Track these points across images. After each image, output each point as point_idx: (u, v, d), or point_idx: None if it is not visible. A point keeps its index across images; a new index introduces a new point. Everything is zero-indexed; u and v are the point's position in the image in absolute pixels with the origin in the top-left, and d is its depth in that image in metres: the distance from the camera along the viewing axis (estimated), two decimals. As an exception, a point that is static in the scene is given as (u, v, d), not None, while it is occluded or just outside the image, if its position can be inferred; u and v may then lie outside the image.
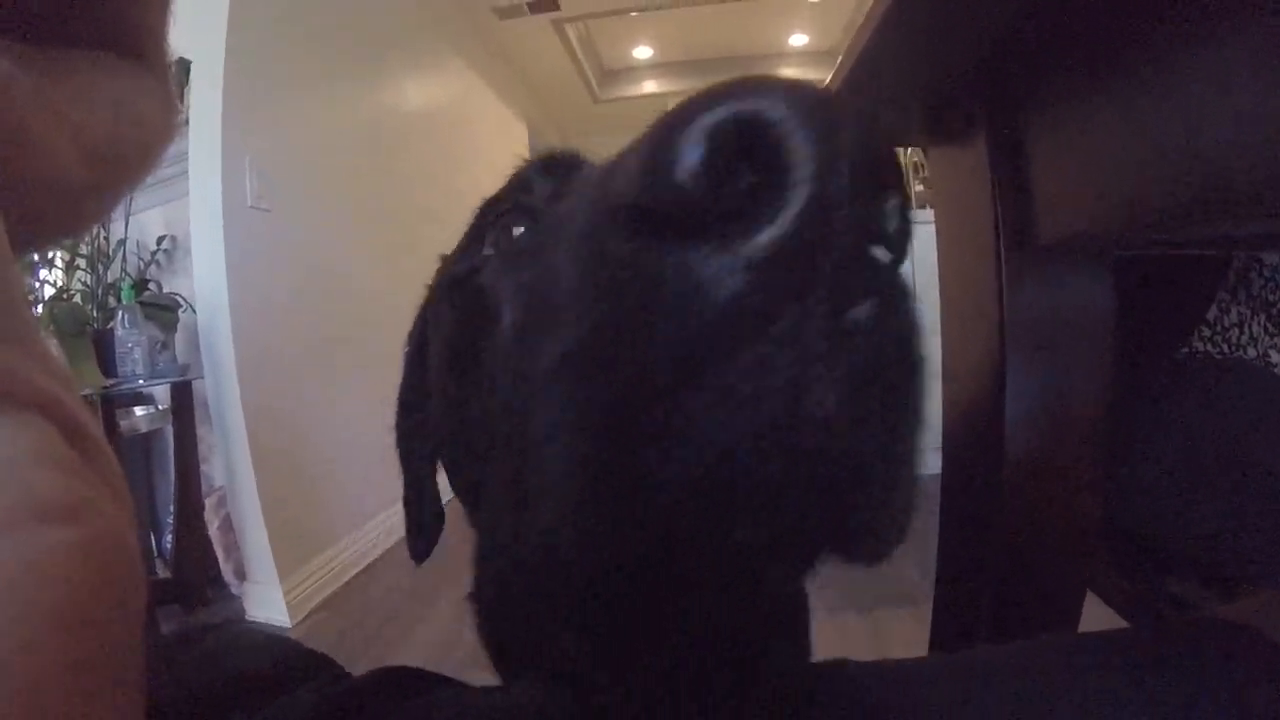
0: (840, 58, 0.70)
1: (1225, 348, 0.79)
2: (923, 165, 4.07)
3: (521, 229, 0.40)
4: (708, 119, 0.20)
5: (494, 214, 0.43)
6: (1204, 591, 0.60)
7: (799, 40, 6.50)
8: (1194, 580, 0.60)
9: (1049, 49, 0.53)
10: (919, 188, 4.04)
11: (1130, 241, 0.58)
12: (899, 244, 0.22)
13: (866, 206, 0.20)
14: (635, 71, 7.02)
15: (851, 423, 0.21)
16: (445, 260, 0.51)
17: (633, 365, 0.21)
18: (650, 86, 7.04)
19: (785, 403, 0.20)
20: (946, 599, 0.81)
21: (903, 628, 1.68)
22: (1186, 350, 0.81)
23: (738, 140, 0.19)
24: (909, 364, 0.23)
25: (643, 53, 6.65)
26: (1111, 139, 0.47)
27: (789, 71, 6.78)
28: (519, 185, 0.45)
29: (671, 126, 0.21)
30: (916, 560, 2.01)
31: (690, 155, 0.20)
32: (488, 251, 0.42)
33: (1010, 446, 0.61)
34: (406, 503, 0.58)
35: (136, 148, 0.54)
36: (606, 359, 0.22)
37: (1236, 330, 0.79)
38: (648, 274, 0.21)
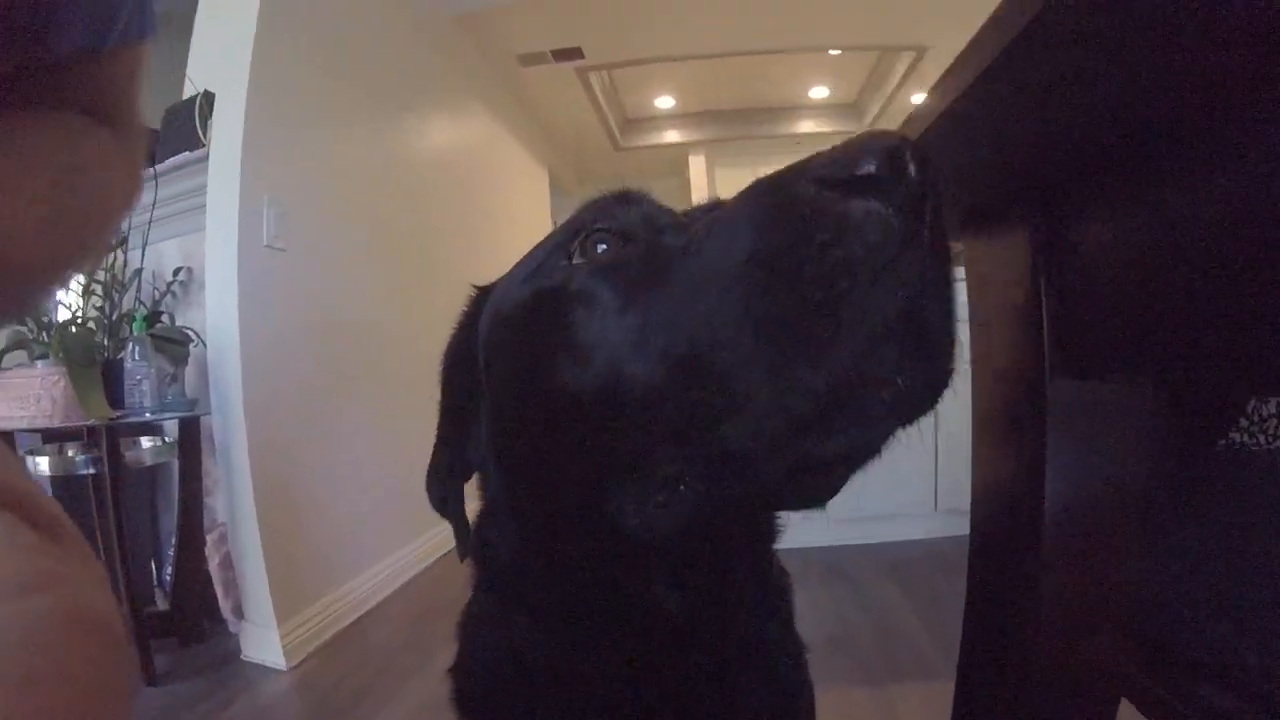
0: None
1: (1262, 439, 0.75)
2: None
3: (605, 246, 0.50)
4: (876, 143, 0.34)
5: (583, 234, 0.51)
6: (1243, 705, 0.55)
7: (819, 93, 6.56)
8: (1232, 692, 0.56)
9: (1089, 159, 0.51)
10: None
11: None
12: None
13: (937, 191, 0.34)
14: (657, 120, 7.10)
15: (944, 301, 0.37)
16: (512, 280, 0.59)
17: (804, 268, 0.34)
18: (671, 136, 7.11)
19: (917, 285, 0.34)
20: (969, 683, 0.76)
21: (914, 705, 1.61)
22: (1224, 442, 0.77)
23: (886, 158, 0.34)
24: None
25: (665, 102, 6.73)
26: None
27: (808, 124, 6.84)
28: (602, 211, 0.53)
29: (854, 145, 0.35)
30: (930, 630, 1.97)
31: (868, 161, 0.34)
32: (577, 261, 0.51)
33: (1048, 532, 0.58)
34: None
35: (85, 221, 0.54)
36: (784, 265, 0.35)
37: (1275, 421, 0.75)
38: (827, 209, 0.34)
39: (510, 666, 0.57)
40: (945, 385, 0.39)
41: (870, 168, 0.33)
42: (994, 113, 0.48)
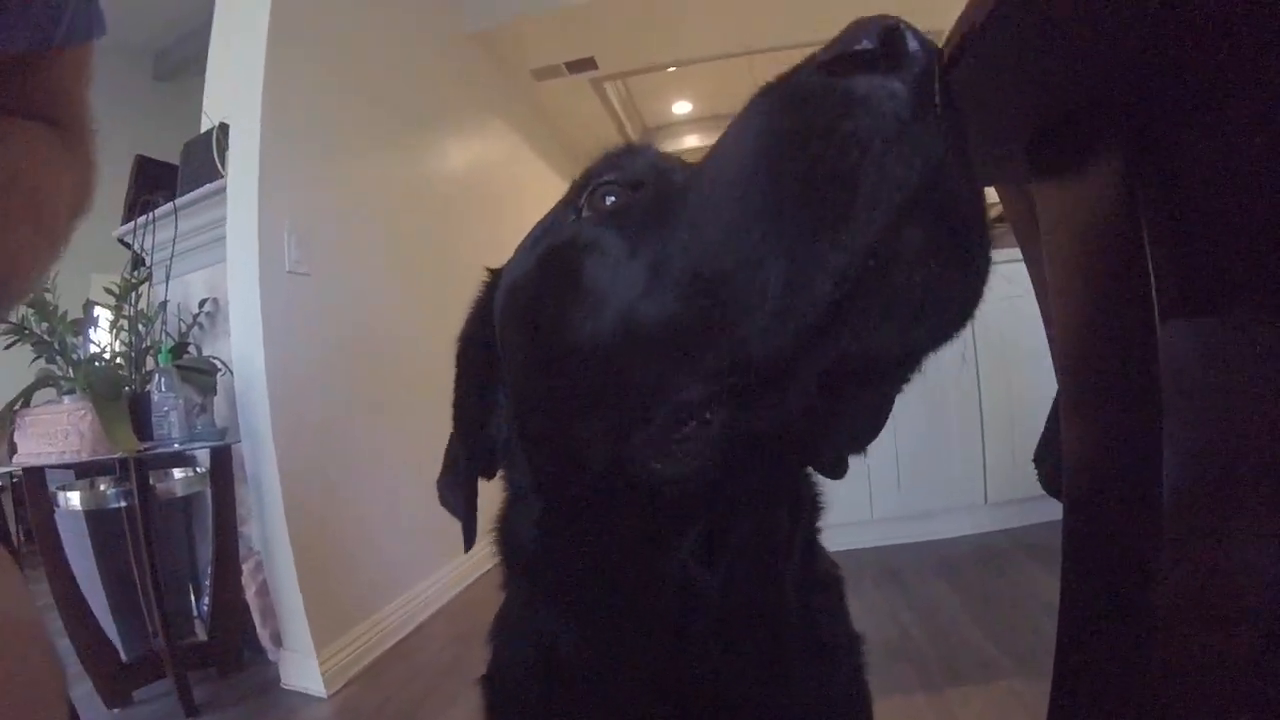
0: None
1: None
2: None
3: (613, 198, 0.49)
4: (870, 23, 0.33)
5: (592, 185, 0.51)
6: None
7: (838, 88, 6.49)
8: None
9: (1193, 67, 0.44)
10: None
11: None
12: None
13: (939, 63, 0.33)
14: (675, 127, 7.07)
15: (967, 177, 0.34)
16: (542, 227, 0.58)
17: (813, 146, 0.33)
18: (691, 141, 7.08)
19: (934, 155, 0.32)
20: (1070, 683, 0.68)
21: (973, 709, 1.52)
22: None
23: (882, 37, 0.33)
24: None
25: (682, 107, 6.70)
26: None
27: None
28: (608, 164, 0.53)
29: (849, 29, 0.34)
30: (987, 630, 1.88)
31: (864, 38, 0.33)
32: (585, 214, 0.50)
33: (1168, 509, 0.50)
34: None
35: (33, 228, 0.51)
36: (794, 147, 0.33)
37: None
38: (832, 88, 0.33)
39: (541, 667, 0.55)
40: (983, 282, 0.36)
41: (868, 44, 0.33)
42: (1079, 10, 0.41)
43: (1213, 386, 0.51)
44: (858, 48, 0.33)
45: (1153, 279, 0.50)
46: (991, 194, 3.75)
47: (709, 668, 0.49)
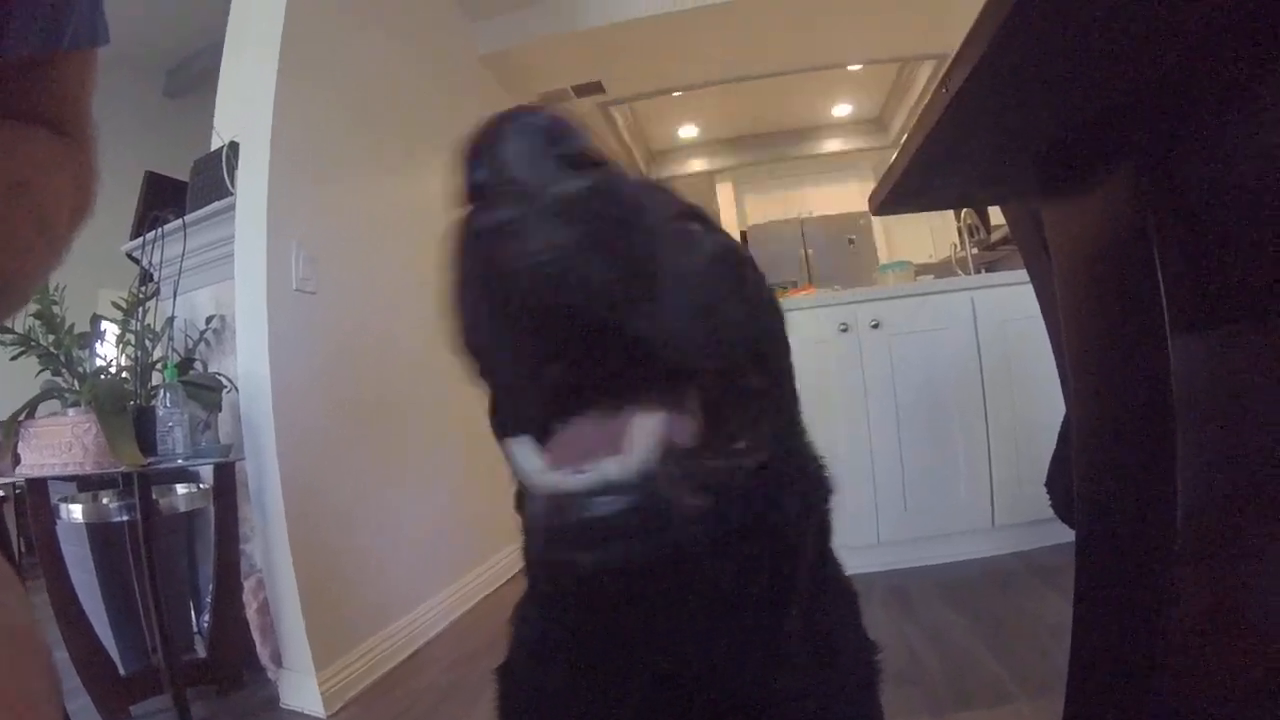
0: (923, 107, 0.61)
1: None
2: (977, 228, 3.97)
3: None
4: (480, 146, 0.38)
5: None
6: None
7: (843, 110, 6.53)
8: None
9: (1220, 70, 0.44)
10: (974, 250, 3.93)
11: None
12: (583, 164, 0.36)
13: (545, 162, 0.36)
14: (682, 150, 7.13)
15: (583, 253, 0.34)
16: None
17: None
18: (698, 165, 7.13)
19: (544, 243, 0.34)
20: (1082, 701, 0.67)
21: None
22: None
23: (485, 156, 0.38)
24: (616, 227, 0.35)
25: (688, 131, 6.75)
26: None
27: (834, 143, 6.79)
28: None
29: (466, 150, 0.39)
30: (996, 654, 1.86)
31: (476, 170, 0.39)
32: None
33: (1182, 526, 0.49)
34: None
35: (35, 232, 0.52)
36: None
37: None
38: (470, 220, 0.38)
39: (539, 648, 0.56)
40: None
41: (477, 175, 0.38)
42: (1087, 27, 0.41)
43: (1224, 401, 0.50)
44: (465, 183, 0.39)
45: (1164, 293, 0.49)
46: (998, 214, 3.76)
47: (698, 658, 0.49)
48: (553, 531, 0.36)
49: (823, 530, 0.57)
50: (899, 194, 0.93)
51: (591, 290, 0.35)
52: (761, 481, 0.46)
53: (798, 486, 0.53)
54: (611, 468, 0.36)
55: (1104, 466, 0.60)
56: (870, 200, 1.15)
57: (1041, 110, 0.54)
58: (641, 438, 0.37)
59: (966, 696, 1.67)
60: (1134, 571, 0.58)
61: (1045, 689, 1.62)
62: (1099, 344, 0.60)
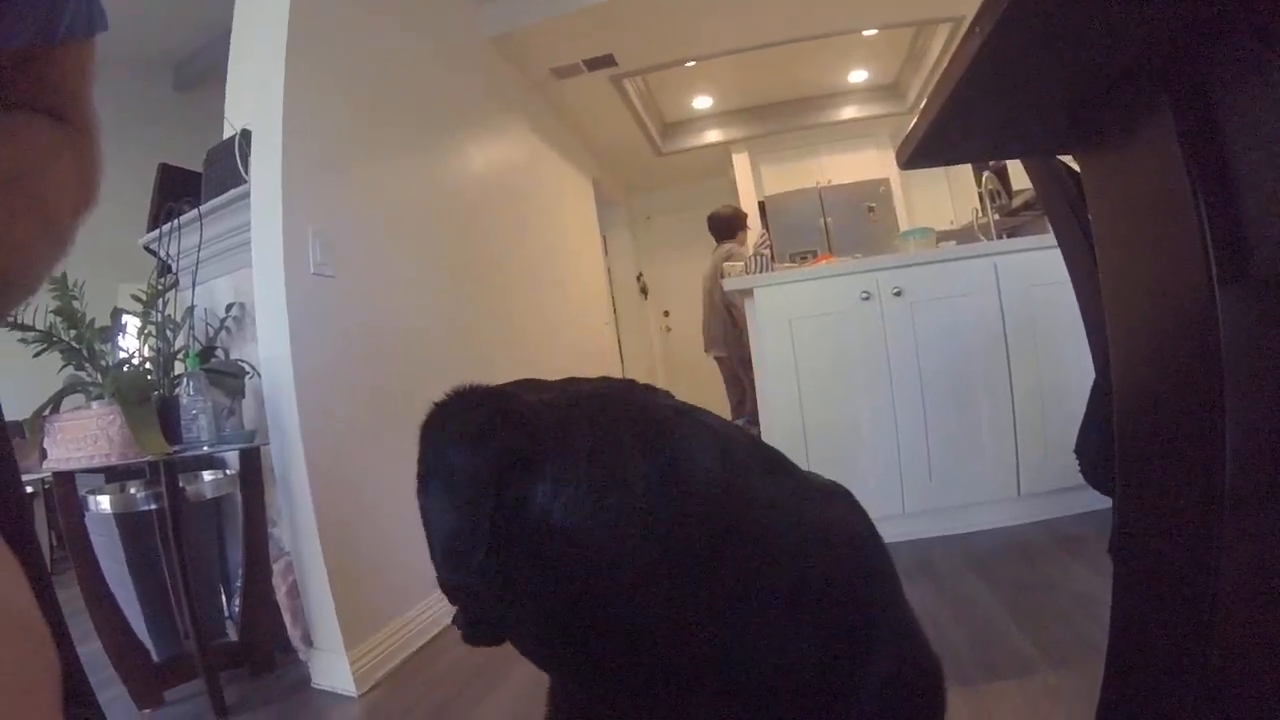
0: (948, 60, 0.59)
1: None
2: (999, 193, 3.90)
3: None
4: None
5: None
6: None
7: (858, 76, 6.43)
8: None
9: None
10: (996, 217, 3.86)
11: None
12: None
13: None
14: (696, 122, 7.05)
15: None
16: None
17: None
18: (713, 136, 7.05)
19: None
20: (1123, 670, 0.66)
21: (1010, 705, 1.48)
22: None
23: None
24: None
25: (702, 102, 6.67)
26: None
27: (850, 109, 6.70)
28: None
29: None
30: (1022, 624, 1.84)
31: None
32: None
33: (1230, 486, 0.47)
34: None
35: (38, 225, 0.51)
36: None
37: None
38: None
39: None
40: None
41: None
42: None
43: (1275, 352, 0.48)
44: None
45: (1209, 242, 0.47)
46: (1019, 179, 3.68)
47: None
48: None
49: None
50: (928, 146, 0.90)
51: None
52: None
53: None
54: None
55: (1147, 425, 0.58)
56: (898, 154, 1.12)
57: (1076, 52, 0.51)
58: None
59: (992, 667, 1.65)
60: (1179, 532, 0.56)
61: (1072, 659, 1.60)
62: (1141, 297, 0.58)
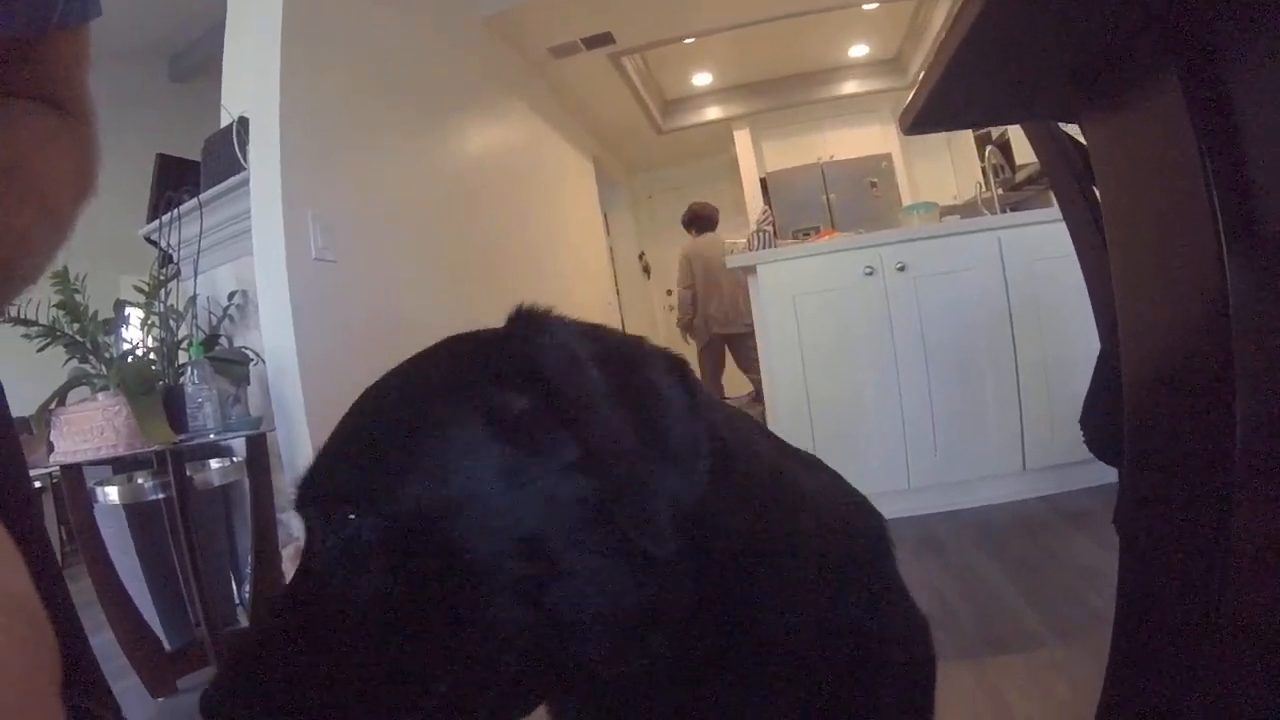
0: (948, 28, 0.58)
1: None
2: (1002, 168, 3.87)
3: None
4: None
5: None
6: None
7: (859, 51, 6.37)
8: None
9: None
10: (999, 191, 3.84)
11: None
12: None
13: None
14: (696, 99, 7.01)
15: None
16: None
17: None
18: (713, 113, 7.00)
19: None
20: (1130, 645, 0.66)
21: (1015, 679, 1.49)
22: None
23: None
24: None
25: (702, 79, 6.63)
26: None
27: (851, 84, 6.65)
28: None
29: None
30: (1028, 598, 1.85)
31: None
32: None
33: (1240, 458, 0.47)
34: None
35: (37, 211, 0.51)
36: None
37: None
38: None
39: None
40: None
41: None
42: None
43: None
44: None
45: (1217, 207, 0.46)
46: (1022, 154, 3.65)
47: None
48: None
49: None
50: (931, 110, 0.89)
51: None
52: None
53: None
54: None
55: (1156, 394, 0.58)
56: (901, 119, 1.11)
57: (1081, 12, 0.50)
58: None
59: (998, 641, 1.66)
60: (1189, 503, 0.56)
61: (1077, 632, 1.61)
62: (1149, 264, 0.57)
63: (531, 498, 0.44)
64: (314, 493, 0.49)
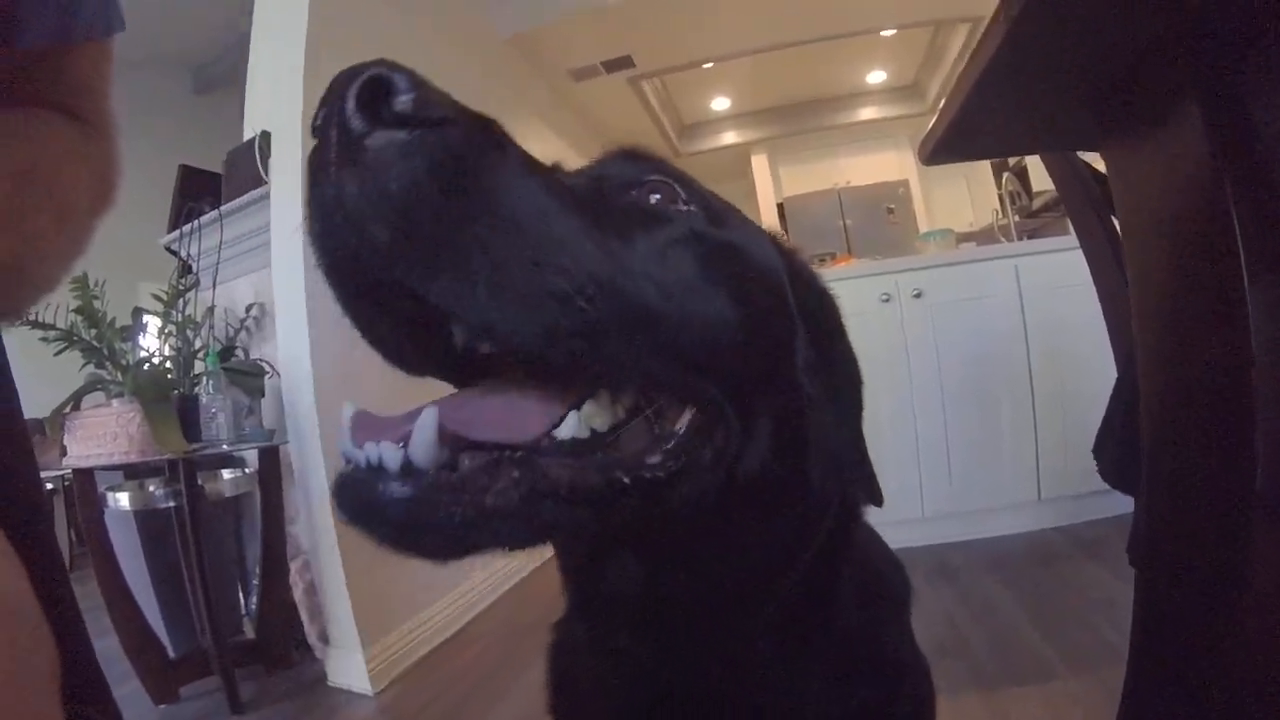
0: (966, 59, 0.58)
1: None
2: (1019, 195, 3.86)
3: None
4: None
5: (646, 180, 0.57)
6: None
7: (877, 77, 6.39)
8: None
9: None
10: (1016, 218, 3.83)
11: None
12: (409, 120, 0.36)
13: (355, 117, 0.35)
14: (714, 123, 7.05)
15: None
16: None
17: None
18: (730, 137, 7.04)
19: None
20: (1146, 676, 0.64)
21: (1029, 710, 1.47)
22: None
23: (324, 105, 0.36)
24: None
25: (720, 104, 6.67)
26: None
27: (869, 110, 6.66)
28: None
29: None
30: (1042, 629, 1.82)
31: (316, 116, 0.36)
32: None
33: (1262, 489, 0.46)
34: None
35: (54, 220, 0.51)
36: None
37: None
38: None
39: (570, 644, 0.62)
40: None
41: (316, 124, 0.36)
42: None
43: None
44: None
45: (1240, 237, 0.46)
46: (1039, 180, 3.63)
47: (691, 665, 0.51)
48: (332, 496, 0.38)
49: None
50: (950, 140, 0.89)
51: (375, 247, 0.35)
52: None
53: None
54: (382, 452, 0.36)
55: (1175, 425, 0.57)
56: (920, 149, 1.11)
57: (1102, 41, 0.50)
58: (424, 425, 0.36)
59: (1012, 672, 1.63)
60: (1207, 534, 0.55)
61: (1091, 664, 1.58)
62: (1169, 291, 0.57)
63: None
64: None
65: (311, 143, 0.36)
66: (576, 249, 0.39)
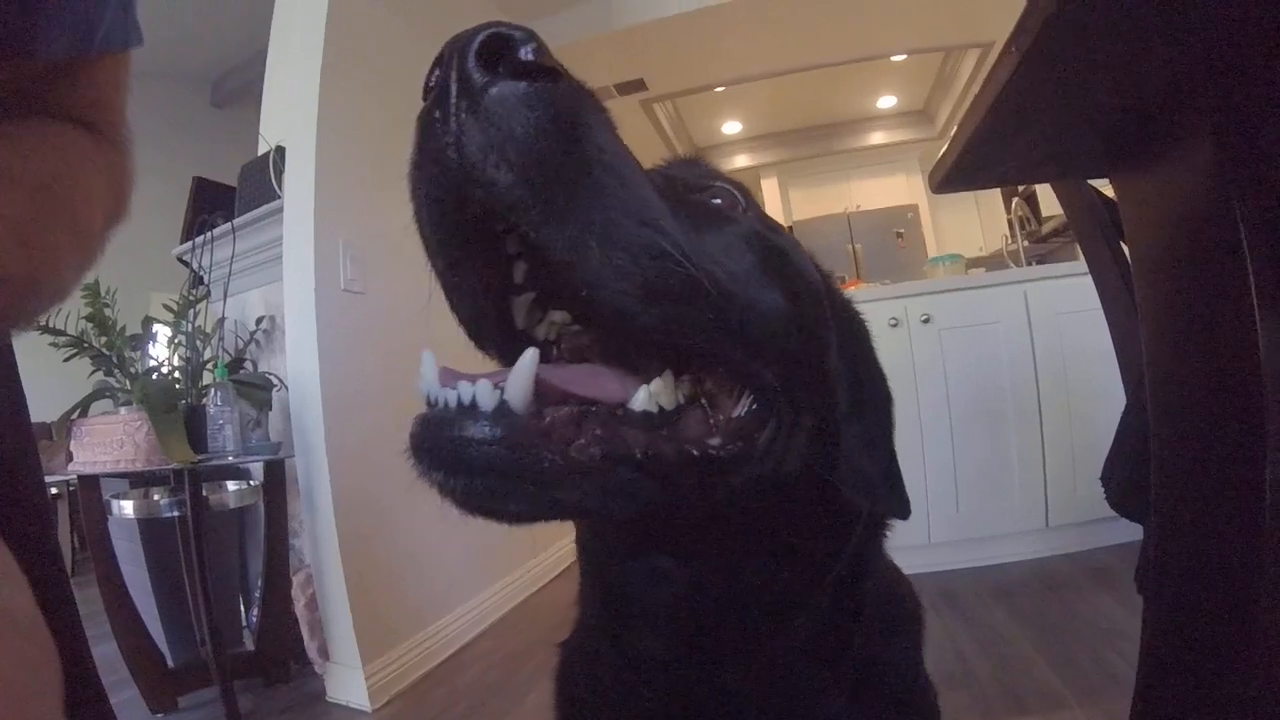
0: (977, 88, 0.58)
1: None
2: (1028, 220, 3.86)
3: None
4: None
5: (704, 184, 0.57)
6: None
7: (887, 102, 6.42)
8: None
9: None
10: (1025, 243, 3.82)
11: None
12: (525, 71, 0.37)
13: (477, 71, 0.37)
14: (726, 147, 7.08)
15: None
16: None
17: None
18: (741, 160, 7.07)
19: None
20: (1154, 712, 0.63)
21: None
22: None
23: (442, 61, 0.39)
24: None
25: (731, 127, 6.70)
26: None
27: (879, 135, 6.68)
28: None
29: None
30: (1050, 659, 1.80)
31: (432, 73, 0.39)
32: None
33: (1270, 524, 0.46)
34: None
35: (69, 232, 0.52)
36: None
37: None
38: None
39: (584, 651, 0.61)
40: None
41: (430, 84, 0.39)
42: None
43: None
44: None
45: (1251, 269, 0.46)
46: (1049, 205, 3.63)
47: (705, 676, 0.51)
48: (411, 440, 0.39)
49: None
50: (961, 170, 0.89)
51: (493, 191, 0.36)
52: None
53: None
54: (477, 390, 0.38)
55: (1184, 453, 0.57)
56: (931, 178, 1.12)
57: (1114, 73, 0.50)
58: (523, 366, 0.38)
59: (1019, 702, 1.61)
60: (1215, 563, 0.55)
61: (1099, 694, 1.56)
62: (1179, 321, 0.57)
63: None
64: None
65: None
66: (669, 220, 0.41)
